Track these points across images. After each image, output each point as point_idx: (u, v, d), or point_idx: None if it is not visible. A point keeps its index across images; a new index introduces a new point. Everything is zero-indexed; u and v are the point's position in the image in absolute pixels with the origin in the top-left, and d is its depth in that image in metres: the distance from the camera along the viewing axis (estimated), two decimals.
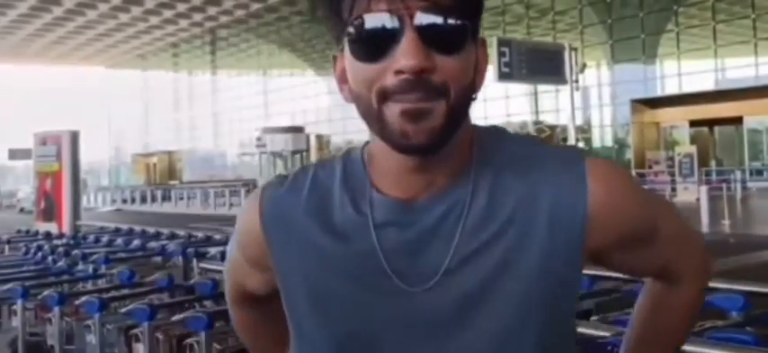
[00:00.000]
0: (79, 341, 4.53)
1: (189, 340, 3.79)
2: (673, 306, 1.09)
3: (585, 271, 1.19)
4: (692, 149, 21.55)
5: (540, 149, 0.96)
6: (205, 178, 40.68)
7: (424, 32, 0.83)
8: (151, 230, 9.11)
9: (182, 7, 38.49)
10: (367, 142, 0.98)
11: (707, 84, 25.47)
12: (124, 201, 36.05)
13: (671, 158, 22.90)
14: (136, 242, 7.74)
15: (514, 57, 16.57)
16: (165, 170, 49.15)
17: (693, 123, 26.06)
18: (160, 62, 51.19)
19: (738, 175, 21.98)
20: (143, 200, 35.02)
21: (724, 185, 16.29)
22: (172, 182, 43.41)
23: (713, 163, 25.13)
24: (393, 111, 0.84)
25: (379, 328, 0.92)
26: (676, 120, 26.46)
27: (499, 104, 29.96)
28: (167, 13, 39.70)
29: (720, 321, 2.92)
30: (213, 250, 6.40)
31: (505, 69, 16.35)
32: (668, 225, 1.02)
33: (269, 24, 41.33)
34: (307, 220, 0.97)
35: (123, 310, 4.38)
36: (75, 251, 6.94)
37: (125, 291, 5.12)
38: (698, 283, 1.09)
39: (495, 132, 0.98)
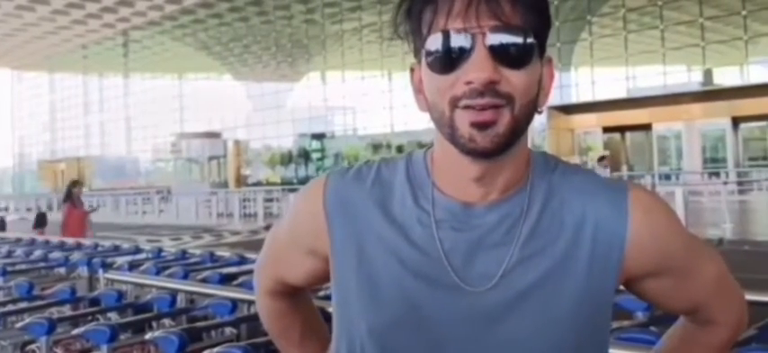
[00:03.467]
0: None
1: None
2: (702, 345, 1.15)
3: None
4: (605, 155, 22.26)
5: (589, 176, 1.06)
6: (116, 185, 39.37)
7: (494, 50, 0.90)
8: (54, 239, 8.70)
9: (92, 8, 37.11)
10: (429, 146, 1.05)
11: (619, 91, 26.49)
12: (28, 209, 34.42)
13: (585, 163, 23.63)
14: (37, 253, 7.32)
15: None
16: (73, 177, 47.28)
17: (606, 130, 26.99)
18: (69, 64, 49.20)
19: (648, 179, 22.87)
20: (49, 208, 33.55)
21: None
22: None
23: (625, 168, 26.01)
24: (463, 120, 0.91)
25: (427, 317, 0.98)
26: (590, 126, 27.31)
27: (405, 111, 30.24)
28: (76, 14, 38.21)
29: (626, 322, 2.99)
30: (121, 260, 6.16)
31: None
32: (708, 268, 1.08)
33: (184, 27, 40.36)
34: (369, 207, 1.03)
35: (19, 325, 4.15)
36: None
37: (23, 304, 4.85)
38: (730, 333, 1.14)
39: (549, 157, 1.06)
